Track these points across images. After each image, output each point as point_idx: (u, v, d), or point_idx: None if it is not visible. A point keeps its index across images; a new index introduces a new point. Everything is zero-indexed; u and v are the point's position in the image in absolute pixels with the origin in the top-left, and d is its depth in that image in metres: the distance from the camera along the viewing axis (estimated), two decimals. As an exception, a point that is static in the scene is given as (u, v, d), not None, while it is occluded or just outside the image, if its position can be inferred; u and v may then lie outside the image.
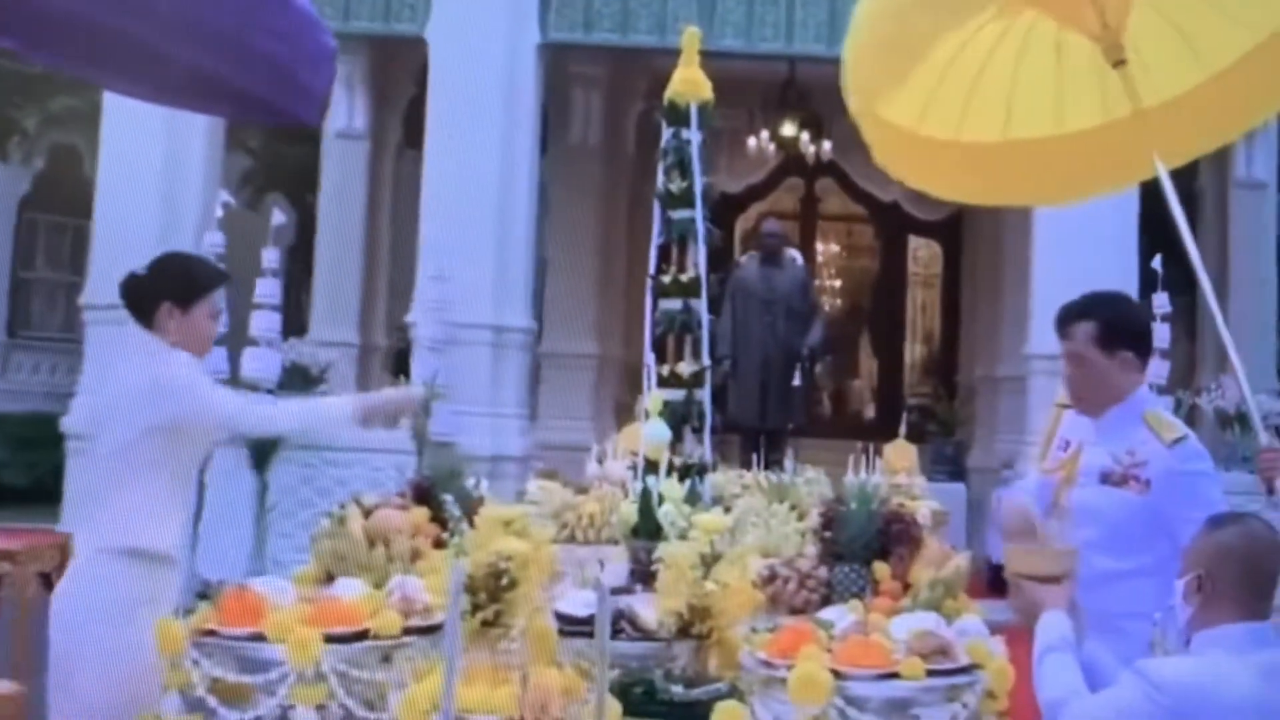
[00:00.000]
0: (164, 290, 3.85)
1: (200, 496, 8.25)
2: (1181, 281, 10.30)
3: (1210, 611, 2.84)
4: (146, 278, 3.90)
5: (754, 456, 6.68)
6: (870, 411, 16.20)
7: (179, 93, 4.32)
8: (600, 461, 5.36)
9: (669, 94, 4.94)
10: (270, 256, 8.89)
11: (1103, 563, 3.51)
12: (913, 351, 16.47)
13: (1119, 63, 3.87)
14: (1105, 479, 3.63)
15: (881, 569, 3.69)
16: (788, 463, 6.40)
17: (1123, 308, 3.87)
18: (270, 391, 8.57)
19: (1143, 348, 3.78)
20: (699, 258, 4.85)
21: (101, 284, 9.10)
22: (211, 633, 3.13)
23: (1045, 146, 4.21)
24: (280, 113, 4.28)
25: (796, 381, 10.55)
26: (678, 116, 4.93)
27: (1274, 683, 2.76)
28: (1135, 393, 3.72)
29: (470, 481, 4.13)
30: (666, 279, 4.85)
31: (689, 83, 4.94)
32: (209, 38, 3.67)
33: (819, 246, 16.57)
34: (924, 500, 6.10)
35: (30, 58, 4.31)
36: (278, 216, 9.17)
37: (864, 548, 3.73)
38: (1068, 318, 3.79)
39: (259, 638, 3.07)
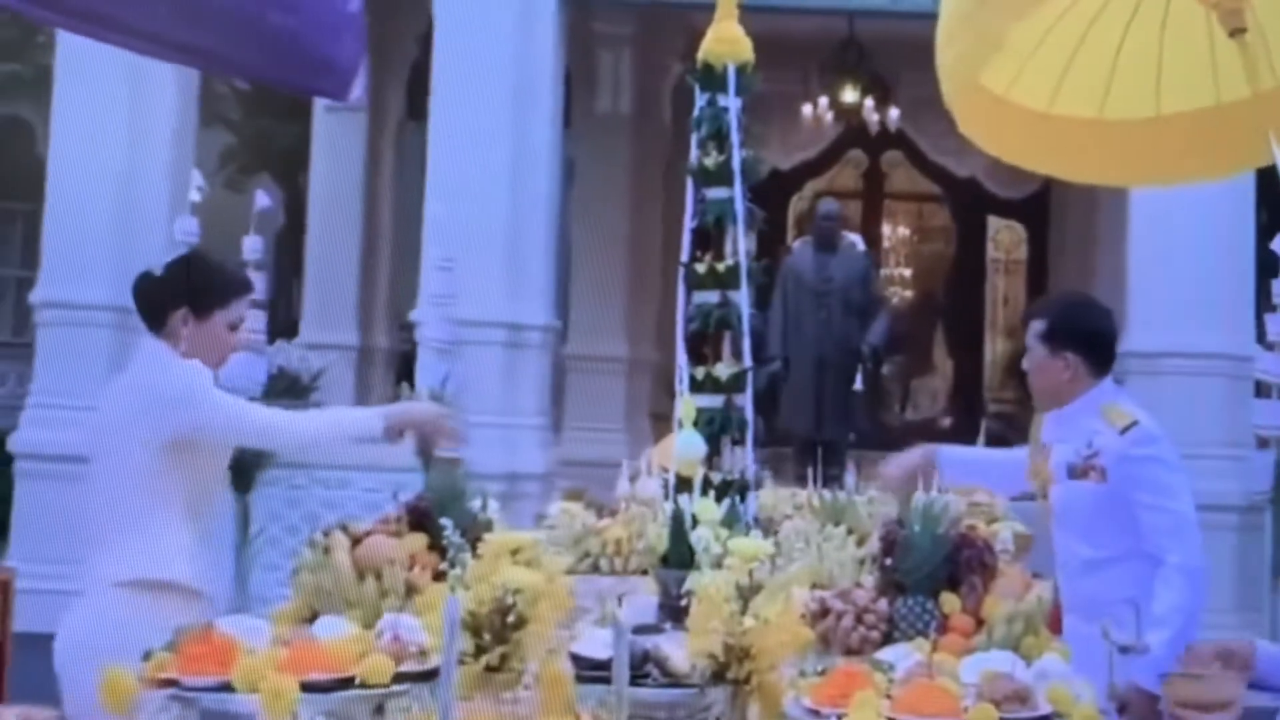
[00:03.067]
0: (178, 295, 3.94)
1: (246, 520, 8.28)
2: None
3: None
4: (161, 279, 4.00)
5: (810, 471, 6.62)
6: (945, 419, 16.15)
7: (194, 55, 4.39)
8: (633, 479, 5.31)
9: (702, 54, 4.88)
10: (253, 245, 8.90)
11: (1083, 552, 4.24)
12: (994, 349, 16.40)
13: (1237, 31, 3.90)
14: (1070, 473, 4.24)
15: (951, 601, 3.63)
16: (848, 478, 6.33)
17: (1076, 311, 4.47)
18: (254, 402, 8.57)
19: (1095, 354, 4.32)
20: (739, 242, 4.79)
21: (54, 280, 9.14)
22: (170, 682, 3.07)
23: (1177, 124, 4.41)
24: (303, 88, 4.34)
25: (858, 385, 10.50)
26: (712, 80, 4.86)
27: None
28: (1091, 391, 4.29)
29: (476, 503, 4.09)
30: (701, 268, 4.78)
31: (725, 40, 4.87)
32: (209, 14, 3.72)
33: (885, 229, 16.55)
34: (1006, 521, 6.01)
35: (32, 16, 4.37)
36: (262, 199, 9.19)
37: (931, 577, 3.67)
38: (1027, 314, 4.56)
39: (226, 687, 3.03)
